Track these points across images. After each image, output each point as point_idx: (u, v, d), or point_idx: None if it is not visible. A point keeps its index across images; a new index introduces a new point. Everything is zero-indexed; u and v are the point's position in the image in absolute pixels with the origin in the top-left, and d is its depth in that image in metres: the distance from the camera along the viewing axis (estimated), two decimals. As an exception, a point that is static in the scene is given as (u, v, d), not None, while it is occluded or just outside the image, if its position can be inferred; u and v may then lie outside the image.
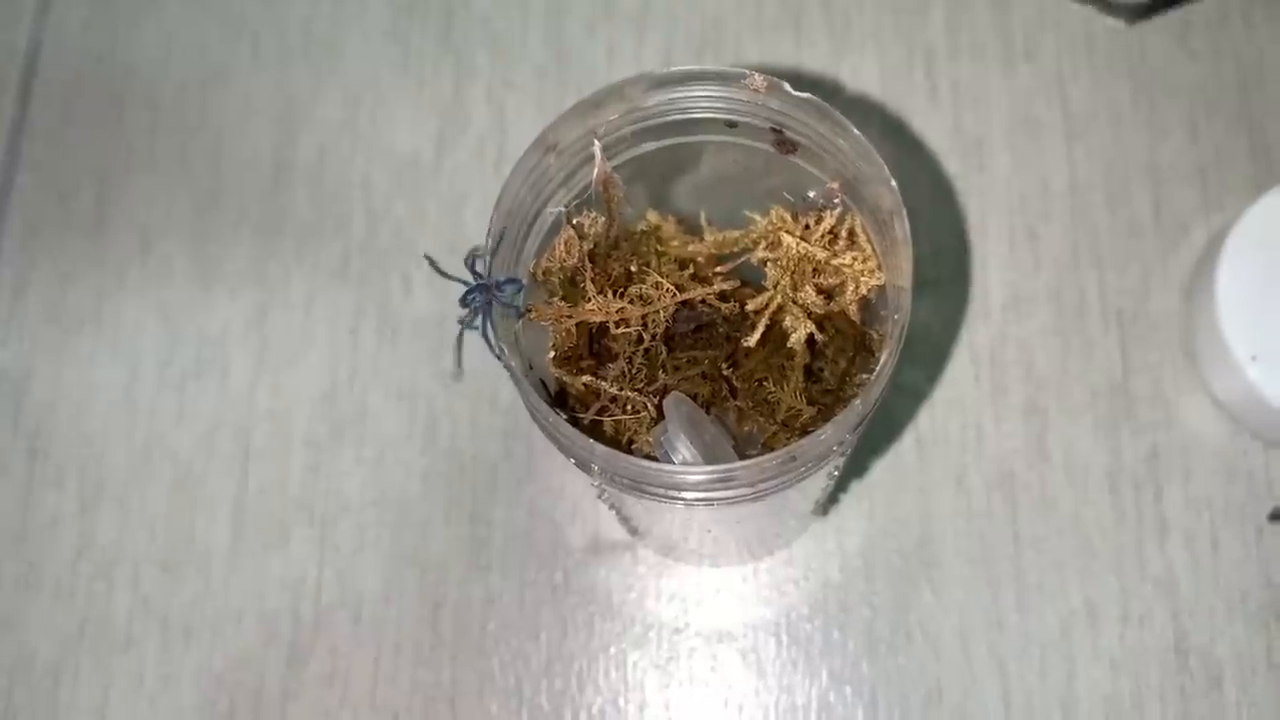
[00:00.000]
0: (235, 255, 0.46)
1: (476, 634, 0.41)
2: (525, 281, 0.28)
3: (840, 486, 0.41)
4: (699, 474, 0.26)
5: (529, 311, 0.28)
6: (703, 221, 0.33)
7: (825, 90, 0.46)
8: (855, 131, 0.28)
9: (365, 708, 0.41)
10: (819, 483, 0.32)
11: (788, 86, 0.28)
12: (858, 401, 0.26)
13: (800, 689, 0.40)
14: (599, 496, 0.32)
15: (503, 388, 0.43)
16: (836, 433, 0.26)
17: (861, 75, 0.46)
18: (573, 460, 0.28)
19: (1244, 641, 0.39)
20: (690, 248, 0.32)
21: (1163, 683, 0.39)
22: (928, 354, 0.43)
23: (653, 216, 0.33)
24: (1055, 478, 0.41)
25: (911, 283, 0.28)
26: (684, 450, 0.28)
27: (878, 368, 0.27)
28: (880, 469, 0.42)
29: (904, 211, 0.28)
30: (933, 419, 0.42)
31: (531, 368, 0.30)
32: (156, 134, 0.47)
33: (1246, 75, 0.45)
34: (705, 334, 0.31)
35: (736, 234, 0.32)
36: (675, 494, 0.27)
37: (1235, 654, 0.39)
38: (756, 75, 0.28)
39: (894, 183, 0.28)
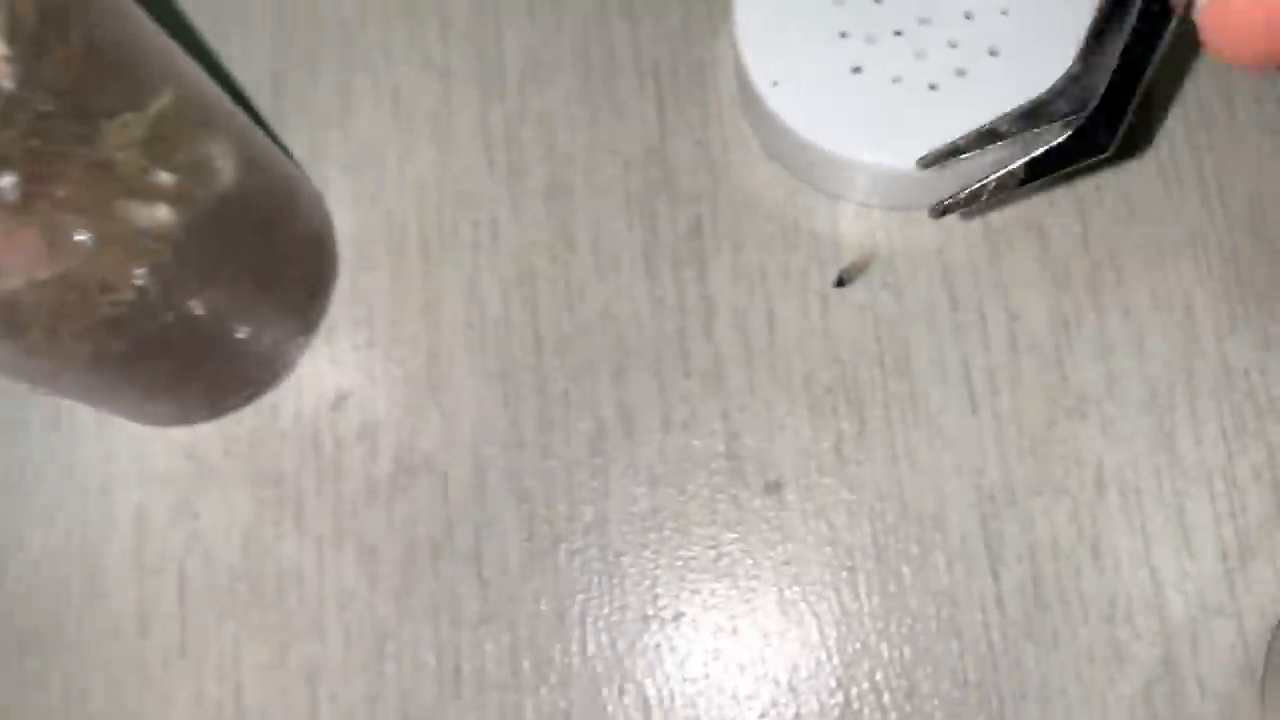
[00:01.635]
0: None
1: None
2: None
3: (314, 311, 0.34)
4: None
5: None
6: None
7: None
8: None
9: None
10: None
11: None
12: None
13: (290, 554, 0.33)
14: None
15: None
16: None
17: None
18: None
19: (808, 435, 0.32)
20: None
21: (711, 494, 0.32)
22: (442, 144, 0.36)
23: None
24: (583, 268, 0.34)
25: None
26: None
27: None
28: (377, 284, 0.35)
29: None
30: (439, 220, 0.35)
31: None
32: None
33: None
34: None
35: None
36: None
37: (797, 450, 0.32)
38: None
39: None
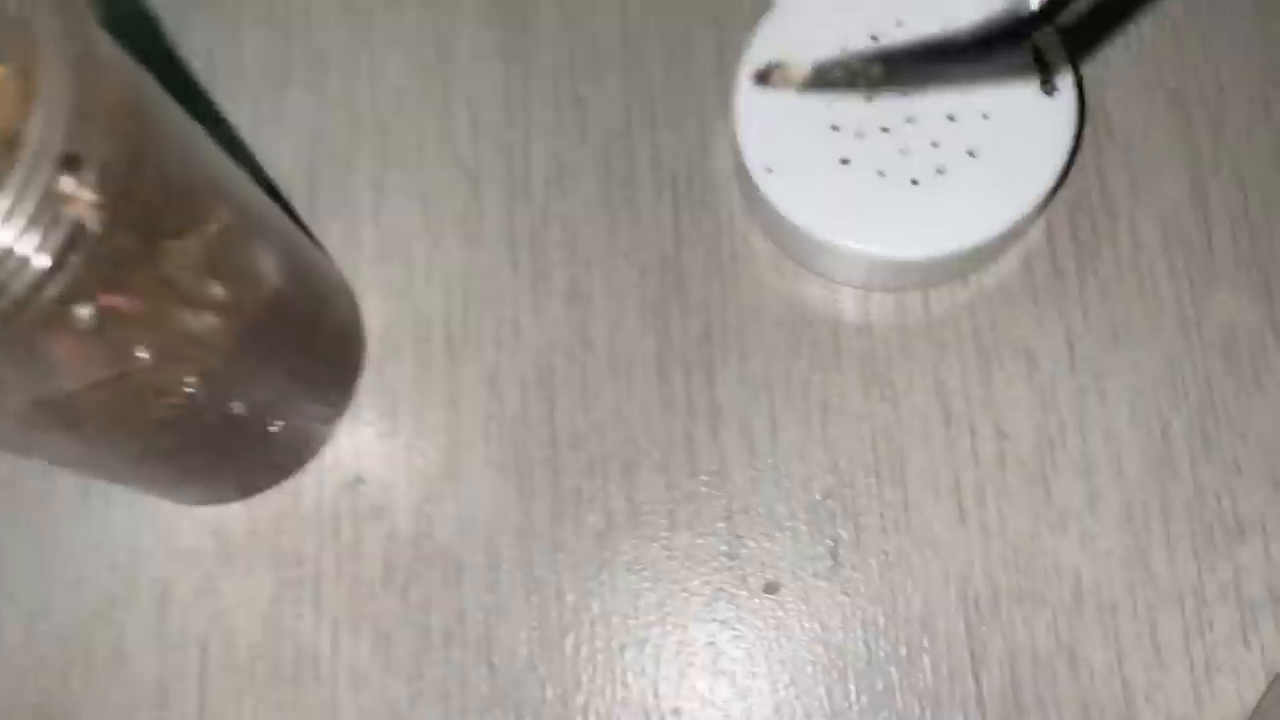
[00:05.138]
0: None
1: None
2: None
3: (342, 400, 0.36)
4: None
5: None
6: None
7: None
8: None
9: None
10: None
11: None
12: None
13: (308, 635, 0.35)
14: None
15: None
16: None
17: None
18: None
19: (806, 539, 0.34)
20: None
21: (713, 592, 0.34)
22: (470, 243, 0.38)
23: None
24: (598, 369, 0.36)
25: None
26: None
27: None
28: (402, 375, 0.36)
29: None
30: (464, 316, 0.37)
31: None
32: None
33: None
34: None
35: None
36: None
37: (795, 553, 0.34)
38: None
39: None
